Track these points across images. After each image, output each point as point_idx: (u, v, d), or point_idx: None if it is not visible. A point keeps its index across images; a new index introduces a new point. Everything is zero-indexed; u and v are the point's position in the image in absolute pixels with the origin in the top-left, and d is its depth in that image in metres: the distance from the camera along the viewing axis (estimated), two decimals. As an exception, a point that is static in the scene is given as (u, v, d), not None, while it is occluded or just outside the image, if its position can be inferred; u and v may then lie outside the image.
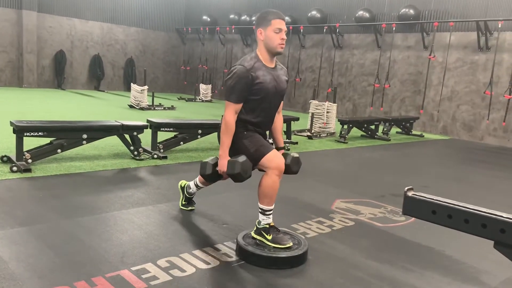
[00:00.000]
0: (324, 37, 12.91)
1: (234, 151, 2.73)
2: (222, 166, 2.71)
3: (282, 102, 2.95)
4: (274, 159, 2.65)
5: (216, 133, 6.13)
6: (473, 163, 6.91)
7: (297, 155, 2.87)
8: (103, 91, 16.34)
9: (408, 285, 2.47)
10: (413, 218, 3.69)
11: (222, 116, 2.72)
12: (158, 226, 3.10)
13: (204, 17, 16.86)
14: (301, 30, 13.26)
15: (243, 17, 15.36)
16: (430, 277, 2.58)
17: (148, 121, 5.44)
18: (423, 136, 9.90)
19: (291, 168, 2.80)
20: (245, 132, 2.74)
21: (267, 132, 2.98)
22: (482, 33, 9.75)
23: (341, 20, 12.70)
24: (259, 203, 2.70)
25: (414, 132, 10.06)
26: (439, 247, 3.07)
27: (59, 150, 4.57)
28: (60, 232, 2.83)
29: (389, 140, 8.67)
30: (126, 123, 4.98)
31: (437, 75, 10.72)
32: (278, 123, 2.99)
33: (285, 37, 2.72)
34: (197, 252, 2.67)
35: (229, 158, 2.71)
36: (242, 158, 2.64)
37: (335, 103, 8.76)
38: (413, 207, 1.44)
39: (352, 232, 3.27)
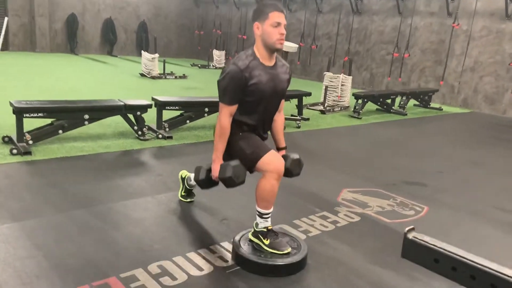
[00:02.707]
0: (343, 1, 12.30)
1: (229, 153, 2.55)
2: (215, 171, 2.55)
3: (283, 101, 2.72)
4: (272, 161, 2.46)
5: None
6: (494, 142, 6.59)
7: (298, 157, 2.67)
8: (116, 56, 16.14)
9: (411, 297, 2.33)
10: (423, 213, 3.52)
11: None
12: (154, 221, 2.99)
13: (218, -21, 16.26)
14: (318, -6, 12.67)
15: (258, -20, 14.72)
16: (435, 288, 2.43)
17: (153, 99, 5.27)
18: (442, 109, 9.51)
19: (292, 171, 2.61)
20: (240, 134, 2.55)
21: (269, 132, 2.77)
22: (511, -1, 9.11)
23: (360, -16, 12.05)
24: (256, 206, 2.54)
25: (432, 104, 9.66)
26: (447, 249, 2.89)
27: (60, 131, 4.46)
28: (53, 229, 2.75)
29: (406, 114, 8.35)
30: (129, 102, 4.82)
31: (460, 44, 10.16)
32: (279, 124, 2.77)
33: (284, 31, 2.45)
34: (191, 255, 2.56)
35: (222, 162, 2.53)
36: (234, 162, 2.47)
37: (350, 75, 8.40)
38: (413, 252, 1.26)
39: (357, 230, 3.11)
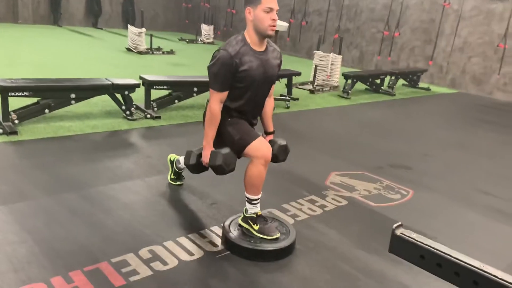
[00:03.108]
0: (333, -23, 12.12)
1: (218, 138, 2.55)
2: (205, 157, 2.55)
3: (273, 86, 2.72)
4: (260, 147, 2.48)
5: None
6: (480, 124, 6.70)
7: (285, 143, 2.68)
8: (101, 28, 15.76)
9: (395, 281, 2.41)
10: (408, 197, 3.60)
11: (208, 102, 2.53)
12: (144, 205, 3.01)
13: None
14: (309, -31, 12.44)
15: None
16: (418, 271, 2.45)
17: (141, 78, 5.20)
18: (430, 89, 9.59)
19: (278, 157, 2.64)
20: (229, 119, 2.55)
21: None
22: (503, -20, 9.08)
23: (352, -41, 11.86)
24: (245, 192, 2.57)
25: (421, 84, 9.72)
26: (431, 233, 2.97)
27: (46, 110, 4.40)
28: (42, 213, 2.75)
29: (394, 95, 8.40)
30: (116, 81, 4.75)
31: (450, 24, 10.16)
32: (268, 108, 2.76)
33: (276, 17, 2.41)
34: (182, 240, 2.59)
35: (213, 149, 2.54)
36: (225, 150, 2.48)
37: (340, 54, 8.37)
38: (400, 248, 1.30)
39: (344, 214, 3.17)
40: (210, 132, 2.53)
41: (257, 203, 2.60)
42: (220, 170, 2.49)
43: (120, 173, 3.50)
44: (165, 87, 5.26)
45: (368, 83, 8.36)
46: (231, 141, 2.52)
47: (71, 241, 2.47)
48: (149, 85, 5.13)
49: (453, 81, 10.30)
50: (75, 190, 3.10)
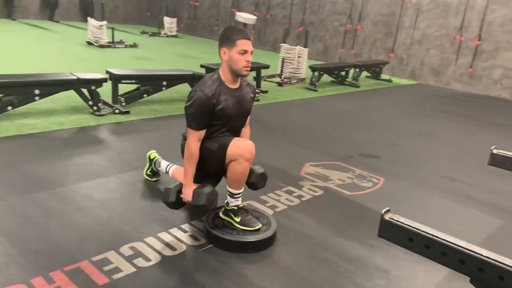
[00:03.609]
0: (296, -30, 12.21)
1: (200, 159, 2.56)
2: (187, 196, 2.54)
3: (249, 117, 2.77)
4: (241, 145, 2.50)
5: (181, 84, 5.84)
6: (440, 114, 6.98)
7: (263, 171, 2.72)
8: (58, 21, 15.17)
9: (374, 265, 2.49)
10: (380, 184, 3.72)
11: (184, 135, 2.59)
12: (121, 202, 2.95)
13: None
14: (272, -38, 12.46)
15: None
16: (395, 255, 2.61)
17: (107, 72, 5.06)
18: (392, 81, 9.88)
19: (257, 185, 2.69)
20: (205, 138, 2.58)
21: None
22: (458, -26, 9.46)
23: (314, -47, 11.98)
24: (227, 187, 2.58)
25: (383, 76, 10.00)
26: (405, 219, 3.10)
27: (9, 108, 4.21)
28: (15, 213, 2.65)
29: (359, 86, 8.60)
30: (82, 76, 4.61)
31: (409, 17, 10.49)
32: (245, 137, 2.81)
33: (250, 58, 2.48)
34: (163, 235, 2.57)
35: (194, 186, 2.53)
36: (208, 189, 2.48)
37: (306, 47, 8.47)
38: (389, 232, 1.36)
39: (320, 203, 3.24)
40: (190, 170, 2.54)
41: (239, 196, 2.61)
42: (204, 209, 2.50)
43: (92, 170, 3.41)
44: (133, 81, 5.15)
45: (334, 76, 8.51)
46: (212, 153, 2.53)
47: (49, 241, 2.40)
48: (117, 79, 5.01)
49: (412, 72, 10.67)
50: (47, 189, 3.00)
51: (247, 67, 2.49)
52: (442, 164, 4.46)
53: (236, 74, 2.52)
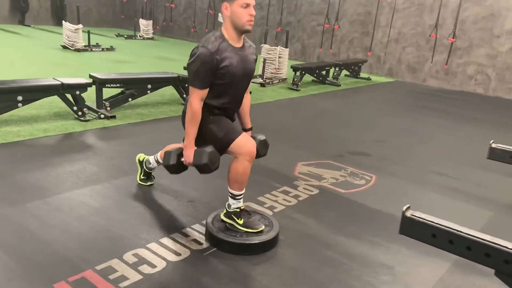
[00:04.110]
0: (273, -29, 12.25)
1: (200, 137, 2.51)
2: (188, 157, 2.50)
3: (250, 82, 2.72)
4: (245, 144, 2.48)
5: (166, 87, 5.77)
6: (419, 110, 7.13)
7: (264, 138, 2.72)
8: (29, 25, 14.76)
9: (377, 262, 2.52)
10: (372, 182, 3.77)
11: (186, 100, 2.48)
12: (118, 208, 2.89)
13: None
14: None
15: None
16: (396, 251, 2.66)
17: (91, 76, 4.96)
18: (370, 79, 10.03)
19: (259, 152, 2.65)
20: (211, 117, 2.52)
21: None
22: (431, -26, 9.69)
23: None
24: (229, 188, 2.57)
25: (362, 74, 10.15)
26: (399, 214, 3.15)
27: (-9, 115, 4.07)
28: (9, 225, 2.56)
29: (339, 85, 8.70)
30: (66, 81, 4.50)
31: (385, 16, 10.68)
32: (246, 104, 2.76)
33: (254, 12, 2.41)
34: (165, 241, 2.54)
35: (195, 148, 2.50)
36: (209, 148, 2.45)
37: (287, 47, 8.51)
38: (411, 229, 1.38)
39: (317, 202, 3.27)
40: (192, 131, 2.48)
41: (241, 198, 2.60)
42: (206, 168, 2.46)
43: (85, 177, 3.33)
44: (118, 85, 5.06)
45: (315, 75, 8.59)
46: (215, 139, 2.50)
47: (49, 252, 2.33)
48: (101, 83, 4.92)
49: (390, 70, 10.87)
50: (40, 198, 2.92)
51: (251, 21, 2.40)
52: (429, 159, 4.56)
53: (239, 31, 2.43)
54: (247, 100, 2.75)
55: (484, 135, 5.83)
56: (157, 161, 3.11)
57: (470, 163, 4.52)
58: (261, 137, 2.72)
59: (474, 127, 6.26)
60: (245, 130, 2.79)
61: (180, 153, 2.62)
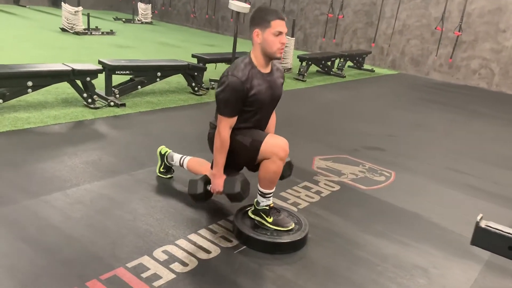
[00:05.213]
0: (277, -43, 12.04)
1: (229, 152, 2.46)
2: (218, 186, 2.47)
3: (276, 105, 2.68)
4: (275, 143, 2.41)
5: (175, 75, 5.66)
6: (428, 104, 7.10)
7: (289, 159, 2.68)
8: (24, 6, 14.40)
9: (410, 263, 2.48)
10: (392, 178, 3.73)
11: (212, 124, 2.52)
12: (140, 202, 2.81)
13: None
14: None
15: None
16: (427, 252, 2.62)
17: (100, 62, 4.82)
18: (374, 71, 9.97)
19: (284, 174, 2.60)
20: (235, 130, 2.47)
21: None
22: (440, -34, 9.59)
23: None
24: (259, 186, 2.50)
25: (365, 66, 10.08)
26: (424, 213, 3.12)
27: (0, 101, 3.93)
28: (32, 218, 2.47)
29: (344, 76, 8.62)
30: (77, 67, 4.36)
31: (390, 7, 10.58)
32: (272, 124, 2.75)
33: (285, 40, 2.38)
34: (193, 237, 2.47)
35: (224, 176, 2.44)
36: (241, 177, 2.42)
37: (293, 36, 8.39)
38: (485, 240, 1.33)
39: (340, 199, 3.22)
40: (221, 160, 2.44)
41: (271, 196, 2.54)
42: (238, 197, 2.43)
43: (102, 167, 3.24)
44: (127, 72, 4.93)
45: (321, 66, 8.49)
46: (244, 148, 2.44)
47: (76, 248, 2.25)
48: (111, 70, 4.78)
49: (393, 62, 10.81)
50: (60, 189, 2.82)
51: (282, 49, 2.38)
52: (444, 155, 4.53)
53: (269, 58, 2.41)
54: (273, 120, 2.76)
55: (496, 131, 5.83)
56: (181, 165, 3.06)
57: (486, 160, 4.50)
58: (287, 158, 2.67)
59: (483, 123, 6.25)
60: None
61: (206, 181, 2.56)
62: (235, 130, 2.47)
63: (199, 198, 2.63)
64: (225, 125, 2.39)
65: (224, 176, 2.47)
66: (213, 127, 2.56)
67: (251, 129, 2.51)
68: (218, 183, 2.49)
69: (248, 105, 2.41)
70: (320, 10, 11.80)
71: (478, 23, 9.36)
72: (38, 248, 2.20)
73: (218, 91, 2.38)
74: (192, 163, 2.99)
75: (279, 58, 2.43)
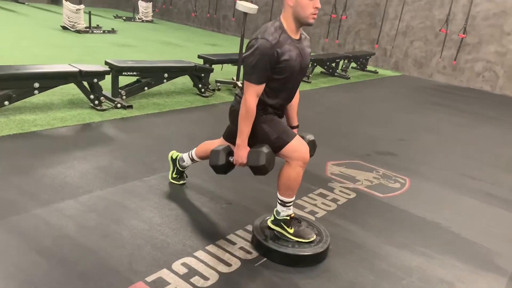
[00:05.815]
0: (279, -43, 11.95)
1: (251, 137, 2.35)
2: (241, 157, 2.33)
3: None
4: (299, 148, 2.32)
5: (182, 76, 5.56)
6: (434, 108, 7.04)
7: (313, 138, 2.60)
8: (24, 3, 14.23)
9: (435, 277, 2.40)
10: (407, 185, 3.66)
11: (236, 95, 2.34)
12: (154, 210, 2.73)
13: None
14: None
15: None
16: (451, 265, 2.55)
17: (107, 63, 4.72)
18: (377, 72, 9.91)
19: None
20: (263, 116, 2.36)
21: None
22: (445, -33, 9.53)
23: None
24: (278, 194, 2.41)
25: (368, 67, 10.01)
26: (444, 223, 3.06)
27: (6, 102, 3.84)
28: (44, 227, 2.38)
29: (349, 78, 8.55)
30: (84, 68, 4.26)
31: (394, 8, 10.52)
32: (295, 101, 2.61)
33: (319, 5, 2.24)
34: (212, 249, 2.39)
35: (248, 148, 2.34)
36: (266, 149, 2.28)
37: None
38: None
39: (357, 207, 3.14)
40: (246, 130, 2.31)
41: (291, 205, 2.46)
42: (263, 170, 2.29)
43: (113, 173, 3.15)
44: (134, 73, 4.83)
45: (325, 67, 8.42)
46: (267, 140, 2.34)
47: (92, 260, 2.16)
48: (118, 71, 4.68)
49: (396, 64, 10.75)
50: (72, 196, 2.73)
51: (315, 14, 2.24)
52: (457, 161, 4.47)
53: (300, 23, 2.27)
54: (296, 96, 2.60)
55: (504, 135, 5.79)
56: (192, 159, 2.95)
57: (499, 166, 4.44)
58: (310, 137, 2.60)
59: (491, 126, 6.20)
60: (292, 127, 2.65)
61: (229, 152, 2.45)
62: (262, 114, 2.34)
63: (220, 169, 2.50)
64: (252, 93, 2.25)
65: (248, 148, 2.34)
66: (238, 101, 2.41)
67: (277, 117, 2.41)
68: (242, 154, 2.34)
69: (277, 72, 2.26)
70: (323, 10, 11.70)
71: (483, 26, 9.32)
72: (53, 260, 2.11)
73: (246, 54, 2.24)
74: (199, 149, 2.88)
75: (311, 24, 2.28)
